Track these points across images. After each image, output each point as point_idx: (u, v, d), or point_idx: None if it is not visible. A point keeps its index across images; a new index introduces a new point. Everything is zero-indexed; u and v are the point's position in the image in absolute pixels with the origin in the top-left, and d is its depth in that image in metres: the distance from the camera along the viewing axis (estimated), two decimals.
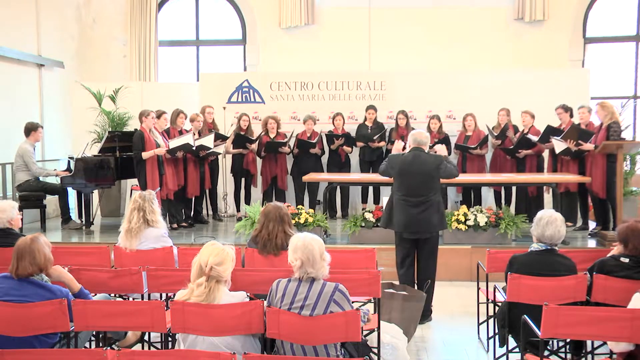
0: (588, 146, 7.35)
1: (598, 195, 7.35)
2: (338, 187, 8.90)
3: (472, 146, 8.49)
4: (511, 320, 4.09)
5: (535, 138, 8.06)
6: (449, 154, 8.65)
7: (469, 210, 7.26)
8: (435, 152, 5.57)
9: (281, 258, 4.37)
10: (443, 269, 6.59)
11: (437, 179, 5.38)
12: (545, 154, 8.35)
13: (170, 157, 7.91)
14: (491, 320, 4.72)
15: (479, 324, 5.15)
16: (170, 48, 11.95)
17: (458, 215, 7.16)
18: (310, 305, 3.27)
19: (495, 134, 8.50)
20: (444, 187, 8.60)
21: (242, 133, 8.72)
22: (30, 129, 8.28)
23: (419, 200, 5.31)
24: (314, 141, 8.71)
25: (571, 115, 8.07)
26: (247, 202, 8.87)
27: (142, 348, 4.34)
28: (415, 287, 5.41)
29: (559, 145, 7.63)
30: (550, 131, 7.85)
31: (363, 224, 7.24)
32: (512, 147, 8.31)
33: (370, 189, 9.19)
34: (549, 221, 4.09)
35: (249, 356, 2.91)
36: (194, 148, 8.03)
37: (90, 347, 4.03)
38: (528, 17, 10.83)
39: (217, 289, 3.35)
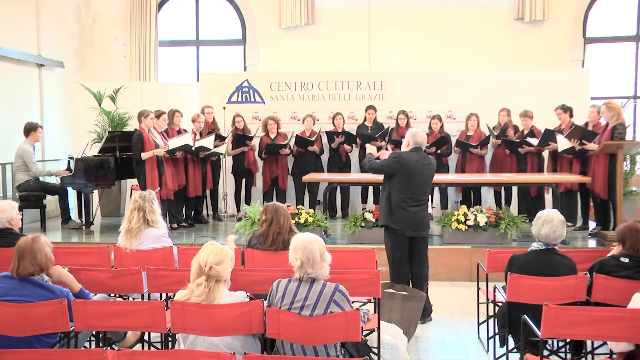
0: (592, 146, 7.34)
1: (599, 196, 7.34)
2: (338, 187, 8.90)
3: (474, 144, 8.50)
4: (511, 320, 4.09)
5: (534, 141, 8.04)
6: (450, 153, 8.73)
7: (469, 210, 7.25)
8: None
9: (283, 254, 4.36)
10: (443, 269, 6.62)
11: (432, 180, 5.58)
12: (545, 154, 8.34)
13: (170, 157, 7.91)
14: (491, 320, 4.72)
15: (479, 324, 5.15)
16: (170, 48, 11.95)
17: (458, 215, 7.16)
18: (310, 305, 3.27)
19: (496, 134, 8.50)
20: (444, 187, 8.68)
21: (240, 133, 8.73)
22: (30, 129, 8.28)
23: (422, 199, 5.40)
24: (312, 139, 8.71)
25: (571, 115, 8.07)
26: (247, 202, 8.87)
27: (142, 348, 4.34)
28: (410, 286, 5.44)
29: (563, 143, 7.61)
30: (549, 134, 7.84)
31: (363, 224, 7.24)
32: (516, 141, 8.30)
33: (370, 189, 9.18)
34: (546, 220, 4.10)
35: (249, 356, 2.91)
36: (193, 148, 8.03)
37: (90, 346, 4.03)
38: (528, 17, 10.83)
39: (217, 288, 3.35)
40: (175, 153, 7.90)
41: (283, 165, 8.91)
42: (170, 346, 3.70)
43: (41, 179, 8.34)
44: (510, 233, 7.09)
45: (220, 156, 8.87)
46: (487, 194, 9.09)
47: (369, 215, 7.29)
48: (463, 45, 10.95)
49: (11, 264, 3.60)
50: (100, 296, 4.25)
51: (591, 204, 7.95)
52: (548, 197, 8.41)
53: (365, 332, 3.92)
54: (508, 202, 8.62)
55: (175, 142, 7.88)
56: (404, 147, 5.51)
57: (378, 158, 5.72)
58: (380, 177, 6.04)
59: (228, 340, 3.35)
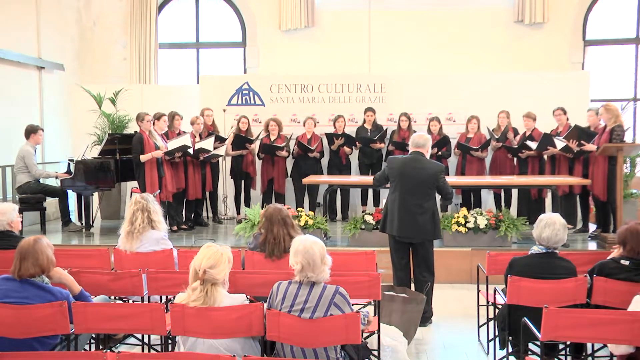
0: (590, 147, 7.35)
1: (599, 198, 7.35)
2: (338, 190, 8.90)
3: (475, 147, 8.50)
4: (511, 323, 4.09)
5: (534, 145, 8.05)
6: (449, 155, 8.73)
7: (469, 212, 7.25)
8: None
9: (286, 260, 4.36)
10: (443, 271, 6.60)
11: (434, 186, 5.32)
12: (545, 157, 8.35)
13: (170, 159, 7.91)
14: (491, 323, 4.72)
15: (479, 327, 5.15)
16: (170, 50, 11.96)
17: (458, 217, 7.16)
18: (310, 308, 3.26)
19: (496, 137, 8.50)
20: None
21: (242, 135, 8.73)
22: (30, 132, 8.28)
23: (414, 203, 5.29)
24: (312, 147, 8.70)
25: (568, 119, 8.08)
26: (247, 204, 8.86)
27: (142, 350, 4.33)
28: (412, 288, 5.42)
29: (560, 143, 7.63)
30: (547, 138, 7.84)
31: (363, 227, 7.25)
32: (515, 146, 8.31)
33: (370, 191, 9.19)
34: (547, 223, 4.10)
35: (249, 359, 2.92)
36: (190, 150, 8.01)
37: (90, 349, 4.03)
38: (528, 19, 10.84)
39: (214, 291, 3.34)
40: (174, 155, 7.89)
41: (280, 167, 8.87)
42: (170, 349, 3.70)
43: (41, 180, 8.35)
44: (510, 235, 7.09)
45: (220, 158, 8.87)
46: (487, 197, 9.09)
47: (369, 218, 7.29)
48: (463, 47, 10.96)
49: (12, 265, 3.59)
50: (101, 298, 4.24)
51: (591, 206, 7.96)
52: (548, 200, 8.41)
53: (365, 335, 3.92)
54: (508, 204, 8.62)
55: (173, 144, 7.87)
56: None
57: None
58: None
59: (228, 343, 3.34)
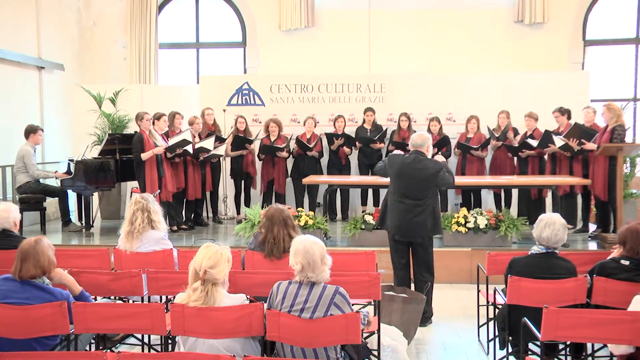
0: (590, 145, 7.35)
1: (600, 198, 7.35)
2: (338, 190, 8.89)
3: (475, 146, 8.50)
4: (511, 323, 4.09)
5: (535, 143, 8.05)
6: (449, 155, 8.72)
7: (469, 212, 7.25)
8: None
9: (285, 261, 4.36)
10: (443, 271, 6.60)
11: (434, 185, 5.34)
12: (545, 157, 8.35)
13: (171, 157, 7.89)
14: (491, 323, 4.72)
15: (479, 327, 5.15)
16: (170, 50, 11.96)
17: (458, 217, 7.16)
18: (310, 308, 3.26)
19: (497, 135, 8.50)
20: (444, 189, 8.65)
21: (241, 135, 8.73)
22: (30, 132, 8.28)
23: (414, 203, 5.29)
24: (311, 145, 8.70)
25: (569, 118, 8.08)
26: (247, 204, 8.86)
27: (142, 350, 4.34)
28: (412, 288, 5.43)
29: (558, 141, 7.63)
30: (548, 135, 7.84)
31: (363, 227, 7.25)
32: (516, 145, 8.31)
33: (370, 191, 9.19)
34: (547, 223, 4.10)
35: (249, 359, 2.92)
36: (190, 148, 7.99)
37: (90, 349, 4.03)
38: (528, 19, 10.84)
39: (215, 291, 3.34)
40: (175, 152, 7.85)
41: (280, 168, 8.87)
42: (170, 349, 3.70)
43: (41, 180, 8.34)
44: (510, 235, 7.09)
45: (220, 158, 8.87)
46: (487, 196, 9.09)
47: (369, 218, 7.29)
48: (463, 47, 10.96)
49: (13, 266, 3.59)
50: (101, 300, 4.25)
51: (592, 206, 7.96)
52: (548, 200, 8.42)
53: (365, 335, 3.92)
54: (508, 204, 8.62)
55: (174, 139, 7.84)
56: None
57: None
58: (379, 180, 6.05)
59: (228, 343, 3.34)
